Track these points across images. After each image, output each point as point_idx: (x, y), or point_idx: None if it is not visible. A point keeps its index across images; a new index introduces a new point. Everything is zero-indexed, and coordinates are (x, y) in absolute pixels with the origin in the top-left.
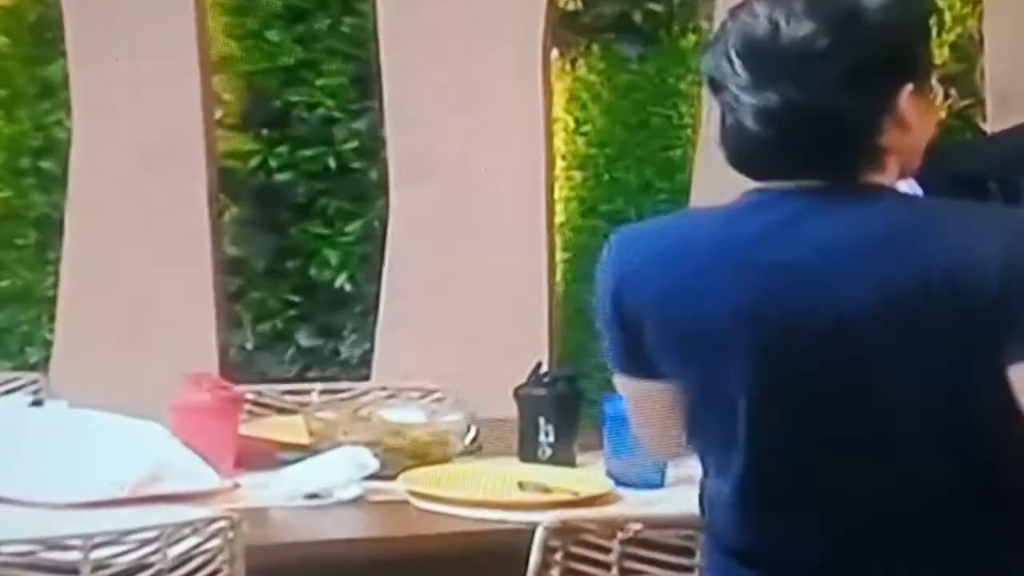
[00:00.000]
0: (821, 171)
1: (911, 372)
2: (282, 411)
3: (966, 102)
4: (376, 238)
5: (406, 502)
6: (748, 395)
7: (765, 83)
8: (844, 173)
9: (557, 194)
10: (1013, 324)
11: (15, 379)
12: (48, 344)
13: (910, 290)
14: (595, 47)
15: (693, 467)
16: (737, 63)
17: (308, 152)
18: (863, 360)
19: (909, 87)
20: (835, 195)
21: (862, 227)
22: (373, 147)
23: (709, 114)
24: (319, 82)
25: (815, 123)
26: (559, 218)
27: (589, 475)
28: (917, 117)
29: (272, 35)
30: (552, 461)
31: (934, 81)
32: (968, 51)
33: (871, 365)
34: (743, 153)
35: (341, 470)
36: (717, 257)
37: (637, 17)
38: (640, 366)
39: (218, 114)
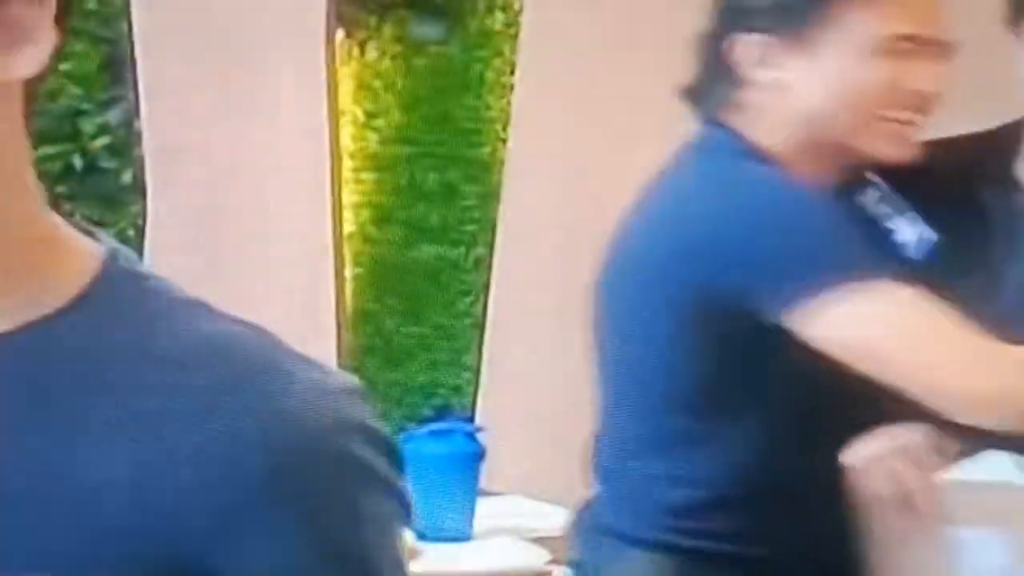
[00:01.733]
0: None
1: None
2: None
3: None
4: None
5: None
6: None
7: None
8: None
9: (346, 199)
10: None
11: None
12: None
13: None
14: (387, 27)
15: (504, 515)
16: None
17: (48, 149)
18: None
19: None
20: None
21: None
22: (127, 143)
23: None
24: (62, 67)
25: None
26: (348, 228)
27: None
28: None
29: None
30: None
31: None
32: None
33: None
34: None
35: None
36: None
37: None
38: None
39: None
